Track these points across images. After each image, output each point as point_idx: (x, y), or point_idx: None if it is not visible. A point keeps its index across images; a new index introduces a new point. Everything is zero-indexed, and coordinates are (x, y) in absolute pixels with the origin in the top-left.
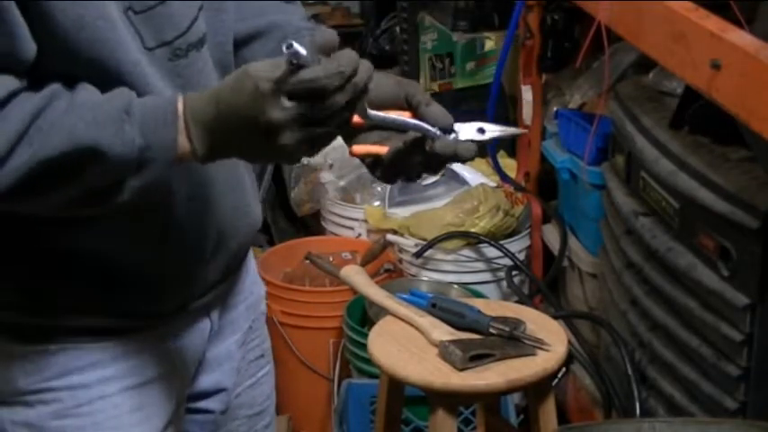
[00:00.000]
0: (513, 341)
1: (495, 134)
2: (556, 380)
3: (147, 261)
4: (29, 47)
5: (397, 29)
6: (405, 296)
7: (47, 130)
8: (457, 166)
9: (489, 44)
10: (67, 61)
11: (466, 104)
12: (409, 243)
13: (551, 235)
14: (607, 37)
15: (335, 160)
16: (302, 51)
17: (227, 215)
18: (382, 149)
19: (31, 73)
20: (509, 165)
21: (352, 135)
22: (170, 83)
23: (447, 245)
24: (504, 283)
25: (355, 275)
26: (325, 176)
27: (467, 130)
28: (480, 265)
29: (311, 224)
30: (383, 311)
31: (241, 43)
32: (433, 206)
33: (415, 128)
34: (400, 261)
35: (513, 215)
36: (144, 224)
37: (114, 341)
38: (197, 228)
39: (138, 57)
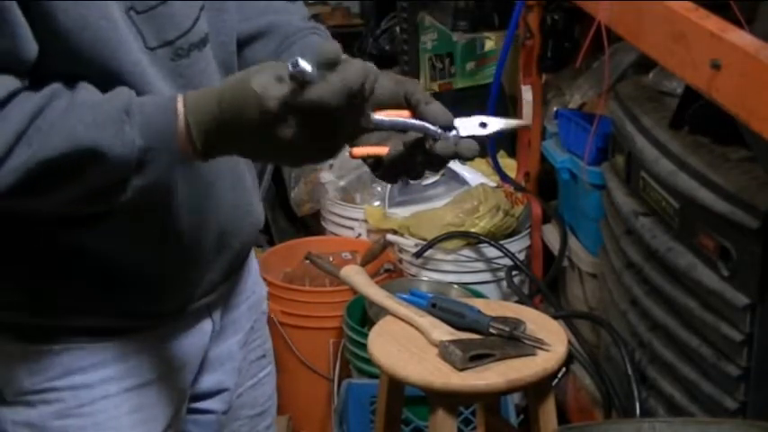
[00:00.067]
0: (513, 341)
1: (498, 128)
2: (556, 380)
3: (147, 261)
4: (30, 47)
5: (397, 29)
6: (405, 296)
7: (46, 131)
8: (457, 166)
9: (489, 44)
10: (69, 61)
11: (466, 104)
12: (409, 243)
13: (551, 235)
14: (607, 37)
15: (335, 160)
16: (308, 69)
17: (228, 214)
18: (383, 150)
19: (32, 72)
20: (509, 165)
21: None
22: (172, 83)
23: (447, 245)
24: (504, 283)
25: (355, 275)
26: (325, 176)
27: (468, 126)
28: (480, 265)
29: (311, 224)
30: (383, 311)
31: (243, 43)
32: (433, 206)
33: (417, 128)
34: (400, 261)
35: (513, 215)
36: (144, 224)
37: (116, 341)
38: (198, 227)
39: (139, 57)
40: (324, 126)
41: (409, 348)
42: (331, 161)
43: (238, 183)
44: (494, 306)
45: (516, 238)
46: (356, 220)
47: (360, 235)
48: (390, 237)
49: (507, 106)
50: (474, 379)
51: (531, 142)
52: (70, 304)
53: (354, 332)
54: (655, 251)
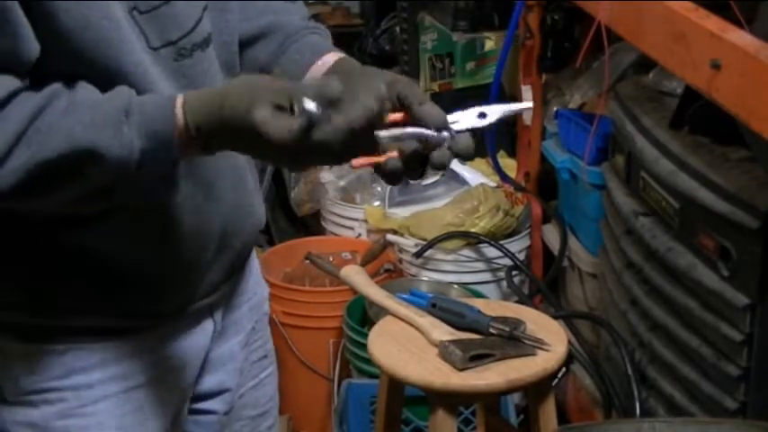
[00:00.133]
0: (513, 341)
1: (497, 116)
2: (556, 380)
3: (148, 261)
4: (32, 47)
5: (397, 29)
6: (405, 296)
7: (45, 132)
8: (457, 166)
9: (489, 44)
10: (71, 61)
11: (466, 105)
12: (409, 243)
13: (551, 235)
14: (607, 37)
15: None
16: (314, 110)
17: (229, 214)
18: (381, 158)
19: (33, 72)
20: (509, 165)
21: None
22: (175, 83)
23: (447, 245)
24: (504, 283)
25: (355, 275)
26: (325, 176)
27: (467, 118)
28: (480, 265)
29: (311, 224)
30: (383, 311)
31: (244, 44)
32: (433, 206)
33: (414, 136)
34: (400, 261)
35: (513, 215)
36: (145, 224)
37: (118, 341)
38: (199, 227)
39: (142, 57)
40: (329, 157)
41: (409, 348)
42: None
43: (239, 183)
44: (494, 306)
45: (516, 238)
46: (356, 220)
47: (360, 235)
48: (390, 237)
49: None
50: (474, 379)
51: (531, 142)
52: (70, 304)
53: (354, 332)
54: (655, 251)
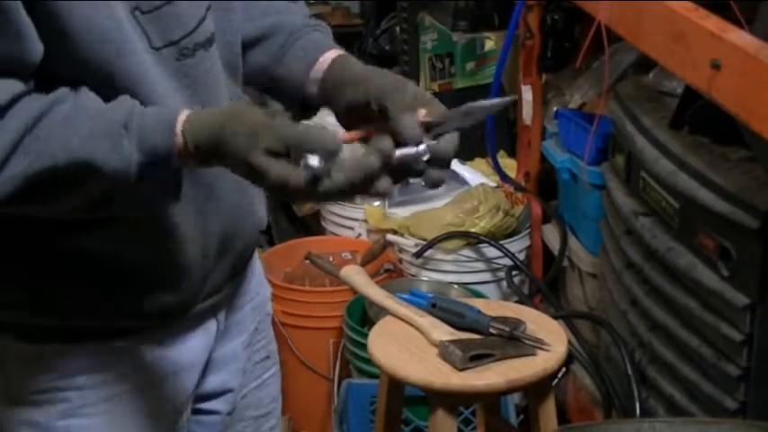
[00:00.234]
0: (513, 341)
1: (482, 115)
2: (556, 380)
3: (149, 262)
4: (35, 48)
5: (397, 29)
6: (405, 296)
7: (44, 140)
8: (457, 166)
9: (489, 44)
10: (72, 62)
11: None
12: (409, 243)
13: (551, 235)
14: (607, 37)
15: None
16: (316, 165)
17: (230, 215)
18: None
19: (35, 75)
20: (509, 165)
21: None
22: (177, 82)
23: (447, 245)
24: (504, 283)
25: (355, 275)
26: None
27: (452, 119)
28: (480, 265)
29: (311, 224)
30: (383, 311)
31: (248, 45)
32: (433, 206)
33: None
34: (400, 261)
35: (513, 215)
36: (145, 225)
37: (120, 342)
38: (200, 228)
39: (143, 57)
40: (324, 201)
41: (409, 348)
42: None
43: (240, 183)
44: (494, 306)
45: (516, 238)
46: (356, 220)
47: (360, 235)
48: (390, 237)
49: (507, 106)
50: (474, 379)
51: (531, 142)
52: (72, 305)
53: (354, 332)
54: (655, 251)
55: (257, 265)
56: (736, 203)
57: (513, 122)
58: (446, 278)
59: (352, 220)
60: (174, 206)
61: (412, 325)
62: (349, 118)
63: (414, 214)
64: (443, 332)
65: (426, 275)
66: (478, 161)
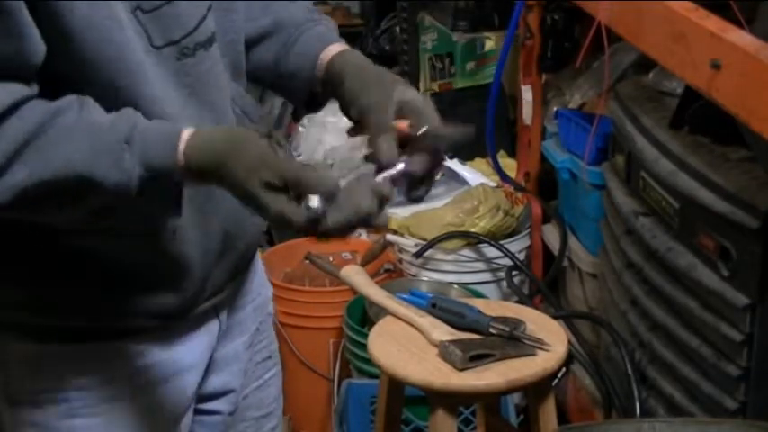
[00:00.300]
0: (513, 341)
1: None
2: (556, 380)
3: (150, 262)
4: (38, 48)
5: (397, 29)
6: (405, 296)
7: (44, 151)
8: (457, 166)
9: (489, 44)
10: (73, 62)
11: (466, 104)
12: (409, 243)
13: (551, 235)
14: (607, 37)
15: (335, 160)
16: (316, 206)
17: (231, 216)
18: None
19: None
20: (509, 165)
21: None
22: (178, 82)
23: (447, 245)
24: (504, 283)
25: (355, 275)
26: None
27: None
28: (480, 265)
29: None
30: (383, 311)
31: (250, 44)
32: (433, 206)
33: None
34: (400, 261)
35: (513, 215)
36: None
37: (122, 342)
38: (202, 228)
39: (143, 56)
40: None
41: (409, 348)
42: (330, 161)
43: None
44: (494, 306)
45: (516, 238)
46: None
47: (360, 235)
48: (390, 237)
49: (507, 106)
50: (474, 379)
51: (531, 142)
52: (71, 305)
53: (354, 332)
54: (655, 251)
55: (259, 266)
56: (736, 203)
57: (513, 122)
58: (446, 278)
59: None
60: (174, 221)
61: (412, 325)
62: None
63: (414, 214)
64: (443, 332)
65: (426, 275)
66: (478, 161)
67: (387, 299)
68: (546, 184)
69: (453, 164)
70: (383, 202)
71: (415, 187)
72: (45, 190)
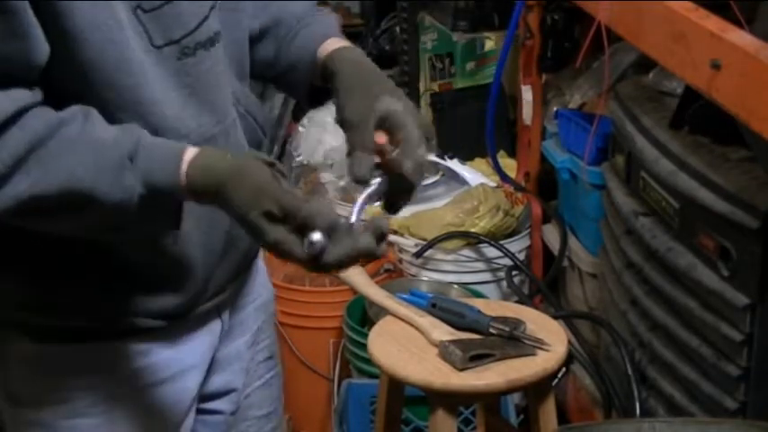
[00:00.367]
0: (513, 341)
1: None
2: (556, 380)
3: (151, 262)
4: (42, 49)
5: (397, 29)
6: (405, 296)
7: (46, 163)
8: (457, 166)
9: (489, 44)
10: (74, 62)
11: (466, 104)
12: (409, 243)
13: (551, 235)
14: (607, 37)
15: (335, 160)
16: (319, 241)
17: None
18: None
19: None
20: (509, 165)
21: None
22: (178, 81)
23: (447, 245)
24: (504, 283)
25: (355, 275)
26: (325, 176)
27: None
28: (480, 265)
29: None
30: (383, 311)
31: (251, 41)
32: (433, 206)
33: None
34: (400, 261)
35: (513, 215)
36: None
37: (124, 342)
38: (203, 228)
39: (144, 56)
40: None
41: (409, 348)
42: (330, 161)
43: None
44: (494, 306)
45: (516, 238)
46: None
47: None
48: (390, 237)
49: (507, 106)
50: (474, 379)
51: (531, 142)
52: (71, 304)
53: (354, 332)
54: (655, 251)
55: (261, 266)
56: (736, 203)
57: (513, 122)
58: (446, 278)
59: None
60: (174, 234)
61: (412, 325)
62: None
63: (414, 214)
64: (443, 332)
65: (426, 275)
66: (478, 161)
67: (387, 299)
68: (546, 184)
69: (453, 164)
70: (382, 238)
71: (392, 203)
72: (46, 202)
